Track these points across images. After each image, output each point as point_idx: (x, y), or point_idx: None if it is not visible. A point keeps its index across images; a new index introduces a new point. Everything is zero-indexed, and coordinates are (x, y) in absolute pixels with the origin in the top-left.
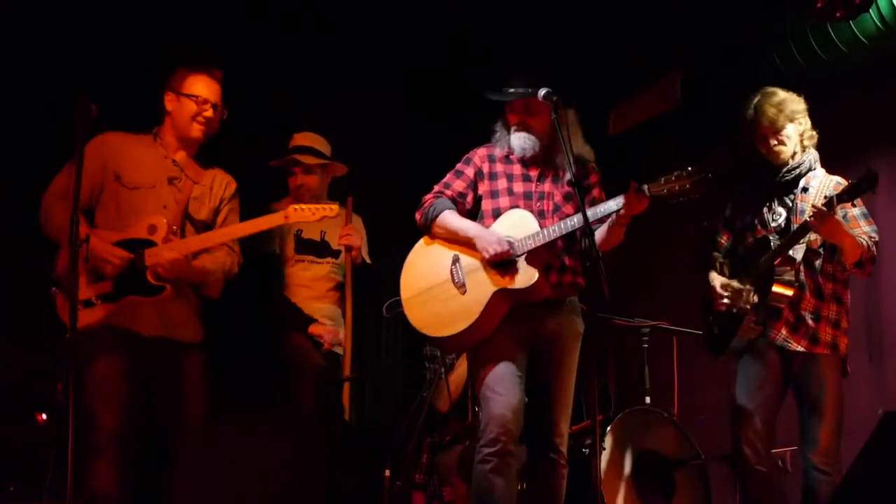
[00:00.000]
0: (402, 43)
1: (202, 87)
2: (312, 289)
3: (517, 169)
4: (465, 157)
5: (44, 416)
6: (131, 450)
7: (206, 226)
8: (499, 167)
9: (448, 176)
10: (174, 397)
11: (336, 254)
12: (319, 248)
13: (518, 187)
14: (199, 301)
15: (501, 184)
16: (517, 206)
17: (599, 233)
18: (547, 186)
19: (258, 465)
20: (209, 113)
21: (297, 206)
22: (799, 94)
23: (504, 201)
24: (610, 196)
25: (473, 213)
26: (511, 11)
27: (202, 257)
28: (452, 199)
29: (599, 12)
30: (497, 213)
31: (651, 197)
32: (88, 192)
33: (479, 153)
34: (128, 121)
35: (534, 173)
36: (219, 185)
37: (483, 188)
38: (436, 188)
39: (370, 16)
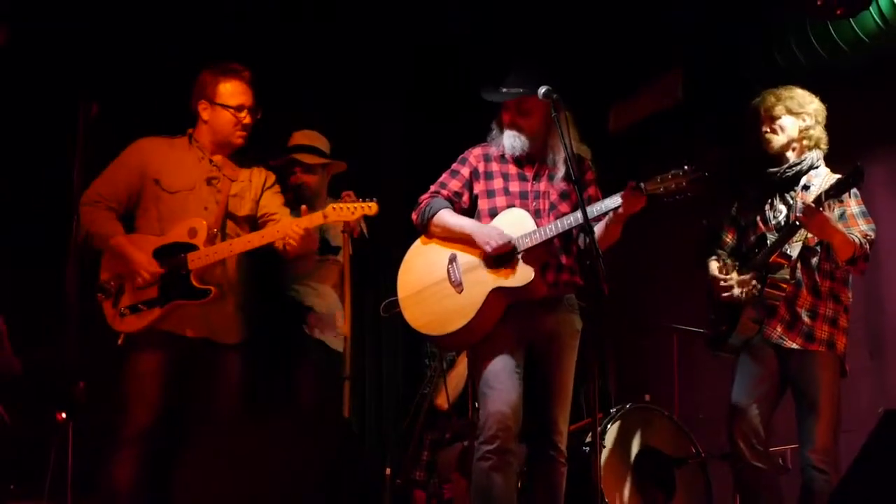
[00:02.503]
0: (403, 41)
1: (236, 94)
2: (313, 287)
3: (513, 168)
4: (460, 157)
5: (63, 415)
6: (153, 446)
7: (250, 219)
8: (494, 166)
9: (444, 176)
10: (210, 397)
11: (336, 250)
12: (320, 245)
13: (514, 186)
14: (244, 302)
15: (497, 183)
16: (513, 206)
17: (596, 231)
18: (543, 185)
19: (258, 463)
20: (248, 120)
21: (336, 206)
22: (823, 94)
23: (500, 201)
24: (606, 194)
25: (469, 213)
26: (512, 10)
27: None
28: (448, 199)
29: (600, 9)
30: (493, 213)
31: (648, 195)
32: (126, 197)
33: (475, 153)
34: (136, 120)
35: (529, 172)
36: (257, 176)
37: (479, 188)
38: (431, 188)
39: (371, 14)
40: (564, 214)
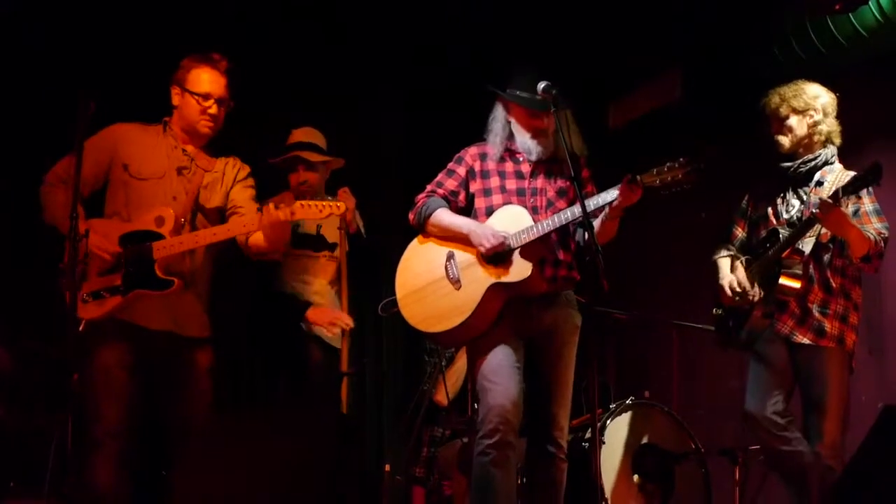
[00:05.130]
0: (403, 38)
1: (206, 82)
2: (309, 283)
3: (509, 166)
4: (456, 157)
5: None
6: (131, 445)
7: (220, 212)
8: (490, 165)
9: (440, 175)
10: (179, 393)
11: (332, 247)
12: (315, 242)
13: (511, 184)
14: (207, 296)
15: (494, 182)
16: (510, 203)
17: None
18: (539, 182)
19: (257, 460)
20: (213, 110)
21: (303, 203)
22: (830, 89)
23: (497, 199)
24: (601, 190)
25: (466, 212)
26: (512, 6)
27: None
28: (445, 198)
29: (600, 6)
30: (490, 211)
31: (644, 188)
32: (91, 180)
33: (471, 152)
34: (132, 113)
35: (526, 169)
36: (231, 168)
37: (475, 186)
38: (428, 188)
39: (371, 9)
40: (561, 211)
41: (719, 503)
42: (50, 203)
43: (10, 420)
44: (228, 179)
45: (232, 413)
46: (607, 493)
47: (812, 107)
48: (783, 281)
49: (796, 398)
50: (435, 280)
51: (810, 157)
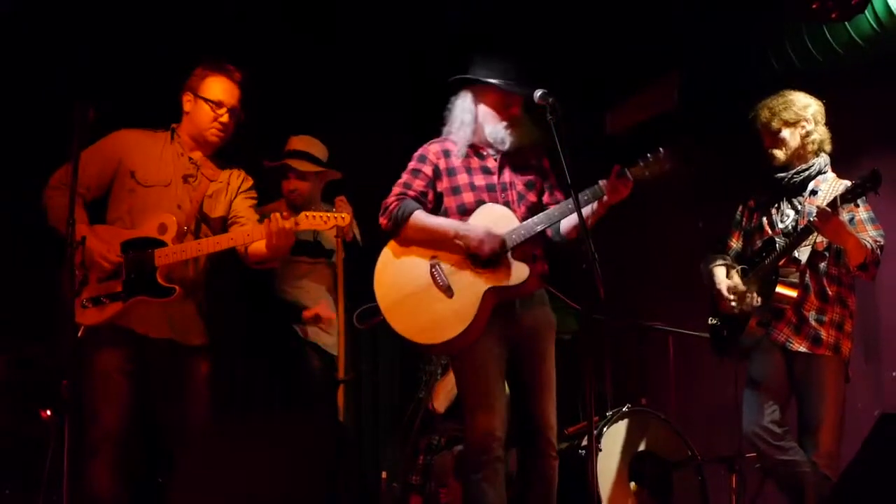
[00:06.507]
0: (404, 43)
1: (219, 90)
2: (306, 290)
3: (475, 162)
4: (418, 155)
5: (48, 413)
6: (128, 451)
7: (222, 221)
8: (455, 162)
9: (405, 176)
10: (177, 400)
11: (329, 253)
12: (312, 249)
13: (479, 180)
14: (205, 304)
15: (462, 178)
16: (481, 200)
17: (570, 220)
18: (507, 177)
19: (253, 468)
20: (225, 118)
21: (308, 214)
22: (818, 97)
23: (468, 196)
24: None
25: (434, 213)
26: (510, 11)
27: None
28: (416, 199)
29: (598, 12)
30: (462, 209)
31: (634, 181)
32: (95, 184)
33: (433, 150)
34: (134, 121)
35: (492, 164)
36: (235, 179)
37: (442, 185)
38: (396, 190)
39: (375, 21)
40: (533, 204)
41: None
42: (53, 206)
43: (7, 426)
44: (232, 190)
45: (229, 420)
46: (604, 501)
47: (803, 117)
48: (780, 289)
49: (792, 408)
50: (422, 288)
51: (804, 166)
